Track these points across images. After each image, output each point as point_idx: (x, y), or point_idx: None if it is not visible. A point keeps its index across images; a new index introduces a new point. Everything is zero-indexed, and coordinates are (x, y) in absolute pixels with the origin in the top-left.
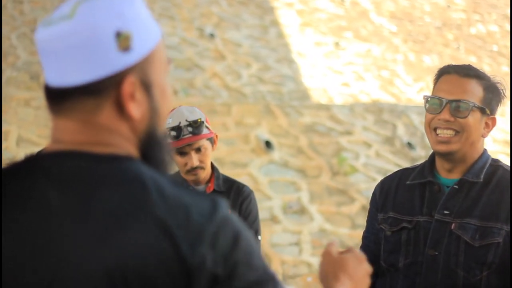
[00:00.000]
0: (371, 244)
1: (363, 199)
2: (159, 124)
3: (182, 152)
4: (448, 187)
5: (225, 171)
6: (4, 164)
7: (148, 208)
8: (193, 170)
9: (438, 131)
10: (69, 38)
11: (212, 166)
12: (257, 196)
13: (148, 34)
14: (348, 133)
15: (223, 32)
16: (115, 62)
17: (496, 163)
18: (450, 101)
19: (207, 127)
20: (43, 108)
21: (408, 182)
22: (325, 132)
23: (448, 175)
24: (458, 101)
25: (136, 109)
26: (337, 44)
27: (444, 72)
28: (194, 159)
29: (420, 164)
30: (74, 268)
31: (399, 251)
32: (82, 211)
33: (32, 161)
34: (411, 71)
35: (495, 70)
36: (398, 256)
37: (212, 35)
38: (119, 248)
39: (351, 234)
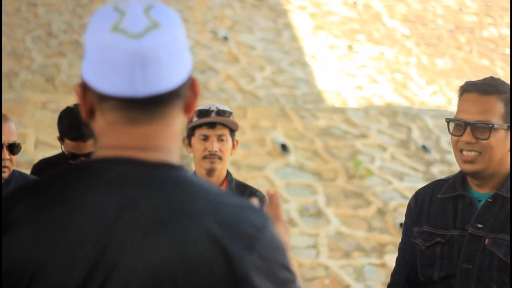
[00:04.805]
0: (408, 257)
1: (379, 202)
2: None
3: (204, 136)
4: (479, 200)
5: (241, 174)
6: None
7: (197, 216)
8: (211, 156)
9: (464, 152)
10: (170, 45)
11: (226, 170)
12: None
13: None
14: (363, 136)
15: (237, 35)
16: (189, 62)
17: None
18: (470, 124)
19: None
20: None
21: (439, 196)
22: (340, 135)
23: (479, 190)
24: (478, 122)
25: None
26: (350, 47)
27: (464, 90)
28: (215, 145)
29: (453, 176)
30: (123, 266)
31: (434, 265)
32: (133, 215)
33: (88, 165)
34: (424, 74)
35: (508, 73)
36: (433, 269)
37: (225, 38)
38: (169, 252)
39: (368, 237)
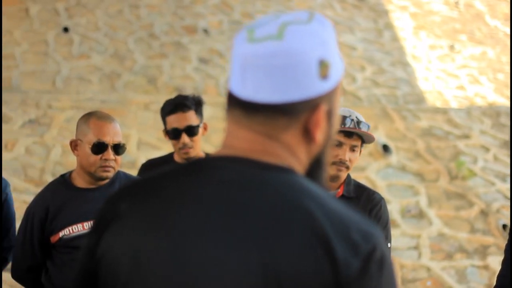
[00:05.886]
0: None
1: (482, 203)
2: (328, 150)
3: (339, 142)
4: None
5: None
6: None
7: (306, 218)
8: (340, 164)
9: None
10: (276, 59)
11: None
12: None
13: (338, 66)
14: (466, 136)
15: (338, 35)
16: (314, 88)
17: None
18: None
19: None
20: None
21: None
22: (442, 135)
23: None
24: None
25: (320, 134)
26: (451, 47)
27: None
28: (347, 154)
29: None
30: (230, 268)
31: None
32: (241, 213)
33: (199, 162)
34: None
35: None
36: None
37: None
38: (275, 252)
39: (470, 238)
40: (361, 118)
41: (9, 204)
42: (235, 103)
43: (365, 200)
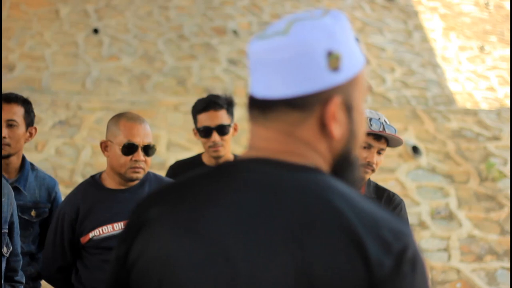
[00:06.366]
0: None
1: None
2: (354, 148)
3: (368, 145)
4: None
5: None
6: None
7: (337, 217)
8: (367, 167)
9: None
10: (281, 52)
11: None
12: (405, 201)
13: (354, 58)
14: (496, 138)
15: (367, 36)
16: (324, 80)
17: None
18: None
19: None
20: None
21: None
22: (472, 137)
23: None
24: None
25: (337, 129)
26: (481, 48)
27: None
28: (375, 157)
29: None
30: (261, 271)
31: None
32: (271, 215)
33: (227, 165)
34: None
35: None
36: None
37: (356, 40)
38: (308, 253)
39: (500, 240)
40: (388, 121)
41: (58, 204)
42: (252, 103)
43: (386, 202)
